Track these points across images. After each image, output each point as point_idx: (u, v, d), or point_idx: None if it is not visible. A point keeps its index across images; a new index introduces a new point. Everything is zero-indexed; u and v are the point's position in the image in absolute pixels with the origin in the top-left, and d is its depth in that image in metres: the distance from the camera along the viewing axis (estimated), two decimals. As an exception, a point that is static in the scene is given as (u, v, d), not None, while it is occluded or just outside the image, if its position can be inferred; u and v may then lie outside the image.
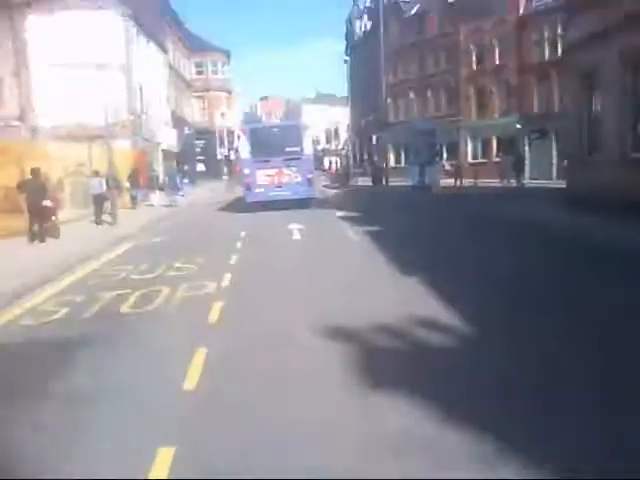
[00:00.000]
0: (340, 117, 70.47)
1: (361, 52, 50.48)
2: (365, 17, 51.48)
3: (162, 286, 7.39)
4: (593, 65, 13.95)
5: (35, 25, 24.38)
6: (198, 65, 48.32)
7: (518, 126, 31.93)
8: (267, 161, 18.23)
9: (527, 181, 27.07)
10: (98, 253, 10.73)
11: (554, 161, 29.69)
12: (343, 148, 61.47)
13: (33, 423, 3.55)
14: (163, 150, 32.64)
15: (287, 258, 9.54)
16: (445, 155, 36.20)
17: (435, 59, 38.75)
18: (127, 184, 20.59)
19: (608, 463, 2.77)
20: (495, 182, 27.51)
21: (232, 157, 47.73)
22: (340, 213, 16.34)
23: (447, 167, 32.80)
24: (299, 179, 18.37)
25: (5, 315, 6.38)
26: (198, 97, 48.24)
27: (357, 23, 53.76)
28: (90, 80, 22.73)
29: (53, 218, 12.76)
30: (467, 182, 28.42)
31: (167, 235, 13.49)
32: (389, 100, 42.01)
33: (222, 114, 49.37)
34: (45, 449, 3.22)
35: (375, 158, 42.38)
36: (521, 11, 31.92)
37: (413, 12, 40.47)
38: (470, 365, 4.14)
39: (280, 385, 3.95)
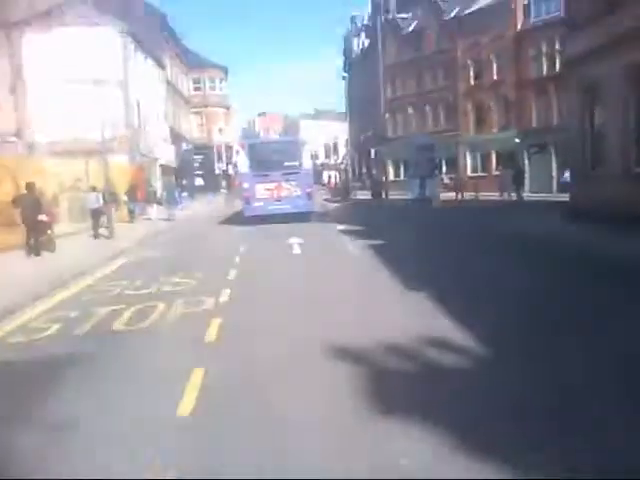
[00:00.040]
0: (339, 132, 70.78)
1: (359, 69, 50.82)
2: (363, 35, 51.93)
3: (158, 302, 7.10)
4: (595, 79, 13.91)
5: (33, 42, 24.43)
6: (196, 81, 48.51)
7: (517, 140, 31.95)
8: (266, 175, 18.12)
9: (527, 194, 26.98)
10: (93, 268, 10.47)
11: (554, 174, 29.65)
12: (342, 162, 61.56)
13: (6, 450, 3.25)
14: (161, 165, 32.57)
15: (287, 273, 9.27)
16: (444, 169, 36.18)
17: (433, 75, 38.96)
18: (125, 198, 20.44)
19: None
20: (495, 195, 27.47)
21: (230, 172, 47.77)
22: (340, 227, 16.11)
23: (446, 181, 32.79)
24: (298, 193, 18.25)
25: (-5, 332, 6.10)
26: (196, 113, 48.36)
27: (355, 40, 54.25)
28: (87, 96, 22.69)
29: (49, 232, 12.62)
30: (468, 195, 28.37)
31: (164, 249, 13.23)
32: (387, 115, 42.13)
33: (220, 130, 49.50)
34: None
35: (374, 172, 42.39)
36: (519, 27, 32.13)
37: (411, 29, 40.79)
38: (484, 387, 3.88)
39: (283, 410, 3.66)
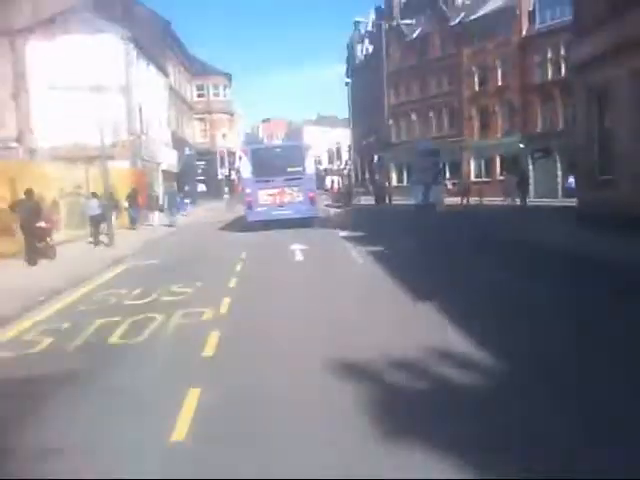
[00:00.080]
0: (342, 138, 70.68)
1: (362, 75, 50.72)
2: (366, 41, 51.90)
3: (155, 313, 6.84)
4: (603, 84, 13.73)
5: (36, 49, 24.39)
6: (199, 88, 48.45)
7: (521, 145, 31.73)
8: (269, 181, 17.93)
9: (532, 199, 26.72)
10: (91, 275, 10.25)
11: (559, 179, 29.38)
12: (345, 168, 61.38)
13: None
14: (163, 171, 32.41)
15: (290, 281, 9.01)
16: (448, 174, 35.93)
17: (437, 81, 38.82)
18: (126, 204, 20.23)
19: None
20: (500, 200, 27.24)
21: (233, 177, 47.64)
22: (343, 233, 15.84)
23: (449, 186, 32.53)
24: (301, 198, 18.05)
25: (-17, 346, 5.85)
26: (200, 119, 48.29)
27: (358, 47, 54.24)
28: (89, 102, 22.47)
29: (48, 239, 12.38)
30: (473, 200, 28.18)
31: (165, 256, 12.99)
32: (391, 121, 41.94)
33: (223, 135, 49.42)
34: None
35: (377, 177, 42.18)
36: (524, 33, 31.96)
37: (415, 35, 40.69)
38: (497, 406, 3.63)
39: (284, 434, 3.39)
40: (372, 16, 49.30)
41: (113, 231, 15.33)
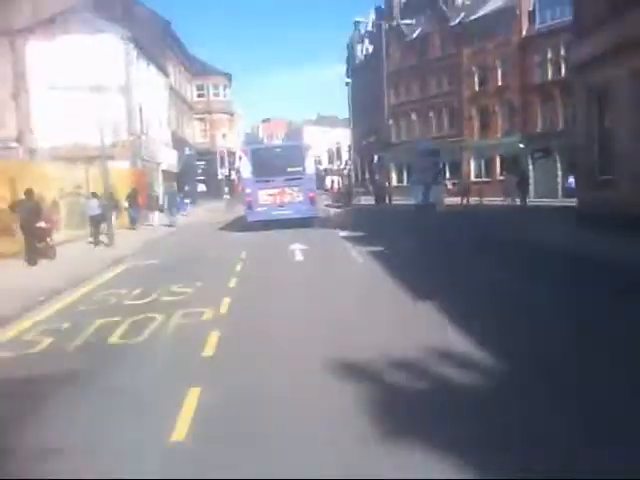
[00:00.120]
0: (342, 138, 70.68)
1: (362, 75, 50.72)
2: (366, 41, 51.89)
3: (155, 313, 6.84)
4: (603, 84, 13.73)
5: (36, 49, 24.38)
6: (199, 88, 48.42)
7: (521, 145, 31.73)
8: (269, 181, 17.94)
9: (532, 199, 26.72)
10: (91, 275, 10.25)
11: (559, 179, 29.38)
12: (345, 168, 61.37)
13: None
14: (163, 170, 32.41)
15: (290, 281, 9.01)
16: (448, 174, 35.92)
17: (437, 81, 38.82)
18: (126, 204, 20.23)
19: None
20: (500, 200, 27.24)
21: (233, 177, 47.61)
22: (343, 233, 15.84)
23: (449, 186, 32.53)
24: (301, 198, 18.06)
25: (-17, 346, 5.85)
26: (200, 119, 48.27)
27: (358, 47, 54.23)
28: (89, 102, 22.49)
29: (48, 239, 12.38)
30: (473, 200, 28.18)
31: (165, 256, 12.98)
32: (391, 121, 41.94)
33: (224, 135, 49.40)
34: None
35: (377, 177, 42.17)
36: (524, 33, 31.96)
37: (415, 35, 40.69)
38: (496, 406, 3.63)
39: (284, 434, 3.39)
40: (372, 16, 49.30)
41: (113, 231, 15.33)
